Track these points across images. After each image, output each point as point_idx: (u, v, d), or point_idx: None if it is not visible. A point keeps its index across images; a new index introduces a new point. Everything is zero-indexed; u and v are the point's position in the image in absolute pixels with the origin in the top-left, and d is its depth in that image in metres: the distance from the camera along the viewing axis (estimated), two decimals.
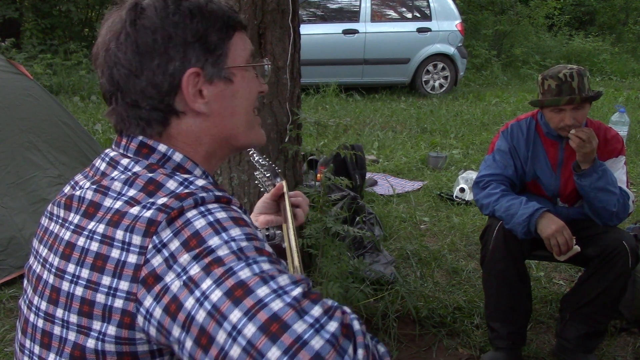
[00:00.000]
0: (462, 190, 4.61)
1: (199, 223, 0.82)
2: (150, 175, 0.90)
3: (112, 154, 0.97)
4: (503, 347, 2.42)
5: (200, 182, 0.91)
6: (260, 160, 1.46)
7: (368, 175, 4.83)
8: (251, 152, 1.48)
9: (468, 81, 11.15)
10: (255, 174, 1.48)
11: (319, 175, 3.99)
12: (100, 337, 0.84)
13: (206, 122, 0.98)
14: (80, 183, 0.97)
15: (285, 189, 1.36)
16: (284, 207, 1.32)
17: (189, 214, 0.83)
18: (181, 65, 0.93)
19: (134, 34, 0.92)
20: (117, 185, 0.90)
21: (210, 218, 0.83)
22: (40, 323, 0.91)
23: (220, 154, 1.03)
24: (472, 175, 4.71)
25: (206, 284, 0.77)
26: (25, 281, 0.99)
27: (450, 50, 9.45)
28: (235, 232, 0.83)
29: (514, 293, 2.38)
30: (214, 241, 0.81)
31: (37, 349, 0.91)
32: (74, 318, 0.86)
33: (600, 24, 16.67)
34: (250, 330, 0.73)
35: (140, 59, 0.92)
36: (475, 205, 2.58)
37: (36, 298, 0.93)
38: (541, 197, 2.50)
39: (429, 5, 9.49)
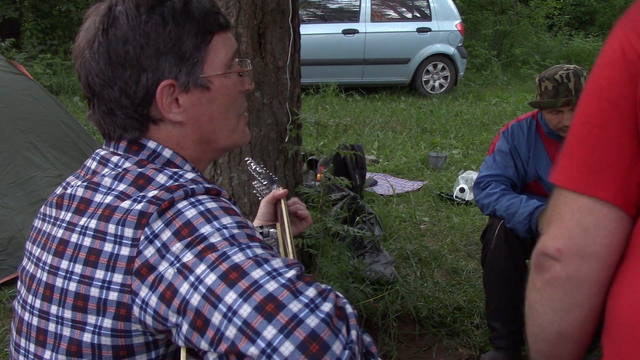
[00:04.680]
0: (462, 190, 4.61)
1: (190, 213, 0.83)
2: (139, 170, 0.91)
3: (103, 152, 0.98)
4: (503, 347, 2.41)
5: (190, 175, 0.91)
6: (257, 169, 1.47)
7: (368, 175, 4.82)
8: (249, 162, 1.48)
9: (468, 81, 11.14)
10: (253, 183, 1.48)
11: (319, 175, 3.99)
12: (96, 330, 0.84)
13: (184, 129, 0.97)
14: (72, 183, 0.97)
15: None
16: (280, 210, 1.33)
17: (180, 205, 0.84)
18: (154, 76, 0.91)
19: (105, 43, 0.91)
20: (107, 181, 0.91)
21: (201, 208, 0.84)
22: (34, 321, 0.91)
23: (205, 157, 1.03)
24: (472, 175, 4.71)
25: (200, 269, 0.78)
26: (19, 282, 1.00)
27: (450, 50, 9.45)
28: (227, 220, 0.84)
29: (514, 293, 2.38)
30: (205, 229, 0.82)
31: (32, 347, 0.91)
32: (68, 313, 0.87)
33: (600, 24, 16.66)
34: (245, 310, 0.74)
35: (112, 69, 0.91)
36: (476, 205, 2.58)
37: (30, 297, 0.93)
38: (543, 197, 2.50)
39: (429, 5, 9.48)
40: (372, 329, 2.62)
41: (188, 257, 0.79)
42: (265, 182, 1.43)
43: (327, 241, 2.65)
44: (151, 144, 0.96)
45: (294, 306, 0.74)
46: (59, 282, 0.88)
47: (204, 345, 0.77)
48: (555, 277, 0.84)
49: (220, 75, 0.97)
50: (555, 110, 2.37)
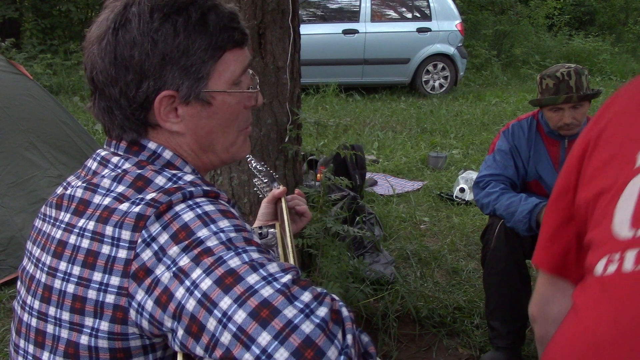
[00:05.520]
0: (462, 190, 4.60)
1: (188, 216, 0.83)
2: (139, 171, 0.90)
3: (103, 153, 0.98)
4: (503, 347, 2.41)
5: (189, 178, 0.91)
6: (257, 167, 1.46)
7: (368, 175, 4.82)
8: (249, 159, 1.48)
9: (468, 81, 11.14)
10: (254, 181, 1.48)
11: (319, 175, 3.99)
12: (93, 333, 0.84)
13: (182, 138, 0.96)
14: (72, 183, 0.97)
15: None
16: (280, 208, 1.33)
17: (178, 208, 0.84)
18: (155, 84, 0.90)
19: (113, 43, 0.90)
20: (106, 182, 0.90)
21: (199, 211, 0.84)
22: (33, 322, 0.91)
23: (204, 166, 1.02)
24: (472, 175, 4.71)
25: (196, 273, 0.78)
26: (19, 283, 1.00)
27: (450, 50, 9.45)
28: (224, 223, 0.83)
29: (514, 292, 2.38)
30: (202, 232, 0.81)
31: (31, 348, 0.91)
32: (66, 315, 0.86)
33: (600, 24, 16.66)
34: (240, 316, 0.74)
35: (116, 69, 0.90)
36: (476, 205, 2.58)
37: (29, 298, 0.93)
38: (543, 196, 2.50)
39: (429, 5, 9.48)
40: (372, 329, 2.62)
41: (184, 261, 0.79)
42: (266, 180, 1.43)
43: (327, 241, 2.65)
44: (151, 145, 0.95)
45: (289, 312, 0.74)
46: (57, 283, 0.88)
47: (199, 351, 0.76)
48: (536, 337, 1.04)
49: (224, 92, 0.95)
50: (555, 108, 2.37)
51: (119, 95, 0.92)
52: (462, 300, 2.97)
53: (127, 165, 0.92)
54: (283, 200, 1.33)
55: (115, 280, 0.83)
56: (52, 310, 0.88)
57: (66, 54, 9.77)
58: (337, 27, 9.10)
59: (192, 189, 0.87)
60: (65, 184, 1.00)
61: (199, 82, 0.93)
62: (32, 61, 8.94)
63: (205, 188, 0.88)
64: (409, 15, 9.66)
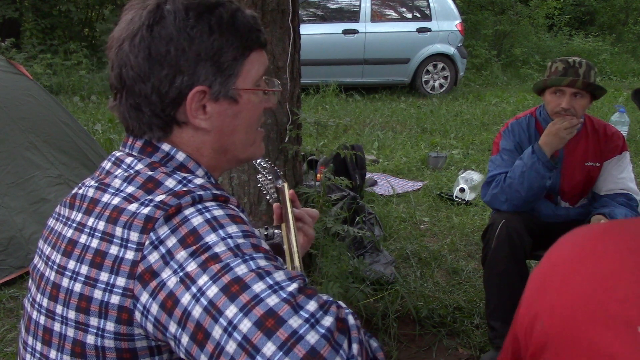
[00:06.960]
0: (462, 190, 4.60)
1: (197, 220, 0.83)
2: (150, 173, 0.91)
3: (118, 154, 0.99)
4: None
5: (199, 181, 0.91)
6: (261, 163, 1.46)
7: (368, 175, 4.82)
8: None
9: (468, 81, 11.14)
10: (258, 177, 1.48)
11: (319, 175, 3.99)
12: (100, 333, 0.84)
13: (206, 136, 0.97)
14: (86, 183, 0.98)
15: (285, 189, 1.36)
16: (285, 209, 1.32)
17: (187, 212, 0.84)
18: (189, 80, 0.92)
19: (148, 39, 0.91)
20: (116, 182, 0.91)
21: (208, 215, 0.84)
22: (42, 320, 0.92)
23: (221, 166, 1.03)
24: (472, 175, 4.71)
25: (202, 280, 0.78)
26: (30, 280, 1.01)
27: (450, 50, 9.45)
28: (232, 229, 0.83)
29: (515, 293, 2.38)
30: (211, 238, 0.81)
31: (39, 346, 0.92)
32: (72, 314, 0.87)
33: (600, 24, 16.66)
34: (245, 325, 0.74)
35: (150, 65, 0.91)
36: (488, 203, 2.54)
37: (39, 295, 0.94)
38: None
39: (429, 5, 9.48)
40: (372, 329, 2.62)
41: (192, 266, 0.79)
42: (270, 177, 1.43)
43: (327, 241, 2.65)
44: (165, 147, 0.96)
45: (294, 322, 0.74)
46: (65, 282, 0.88)
47: (203, 359, 0.76)
48: None
49: (249, 90, 0.98)
50: (557, 90, 2.38)
51: (150, 91, 0.92)
52: (462, 300, 2.97)
53: (139, 166, 0.93)
54: (287, 199, 1.33)
55: (121, 281, 0.83)
56: (59, 309, 0.88)
57: (66, 54, 9.76)
58: (337, 27, 9.10)
59: (202, 192, 0.87)
60: (80, 184, 1.01)
61: (229, 79, 0.95)
62: (32, 61, 8.94)
63: (215, 192, 0.89)
64: (409, 15, 9.66)
